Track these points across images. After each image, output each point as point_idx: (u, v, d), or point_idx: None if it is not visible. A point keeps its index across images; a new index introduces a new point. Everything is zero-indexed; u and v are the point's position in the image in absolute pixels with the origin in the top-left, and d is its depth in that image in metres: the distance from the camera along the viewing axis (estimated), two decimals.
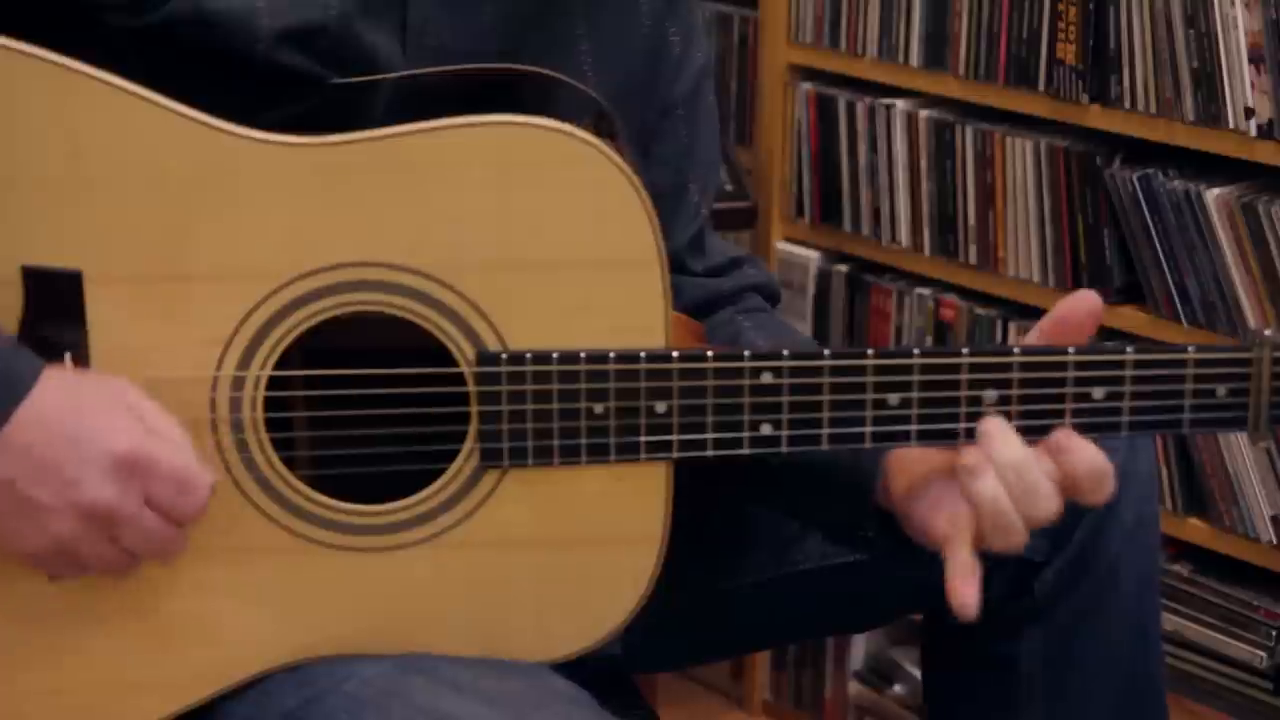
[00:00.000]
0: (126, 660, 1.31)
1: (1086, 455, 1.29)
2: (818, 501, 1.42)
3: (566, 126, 1.27)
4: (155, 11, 1.27)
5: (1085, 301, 1.32)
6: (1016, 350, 1.30)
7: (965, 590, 1.30)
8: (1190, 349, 1.30)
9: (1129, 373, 1.29)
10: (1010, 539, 1.30)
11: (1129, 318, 2.25)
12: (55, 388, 1.23)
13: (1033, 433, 1.30)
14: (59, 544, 1.24)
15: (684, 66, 1.53)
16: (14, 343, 1.25)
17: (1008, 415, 1.30)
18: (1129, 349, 1.30)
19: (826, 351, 1.29)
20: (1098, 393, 1.30)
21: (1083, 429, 1.30)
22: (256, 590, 1.31)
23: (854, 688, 2.72)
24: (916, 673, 2.57)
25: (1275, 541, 2.18)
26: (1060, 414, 1.30)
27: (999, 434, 1.29)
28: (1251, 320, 2.14)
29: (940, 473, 1.33)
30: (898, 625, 2.54)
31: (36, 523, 1.23)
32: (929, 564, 1.49)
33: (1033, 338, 1.33)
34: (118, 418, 1.24)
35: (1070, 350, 1.30)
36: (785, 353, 1.29)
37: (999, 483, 1.28)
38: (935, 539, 1.33)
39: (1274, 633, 2.22)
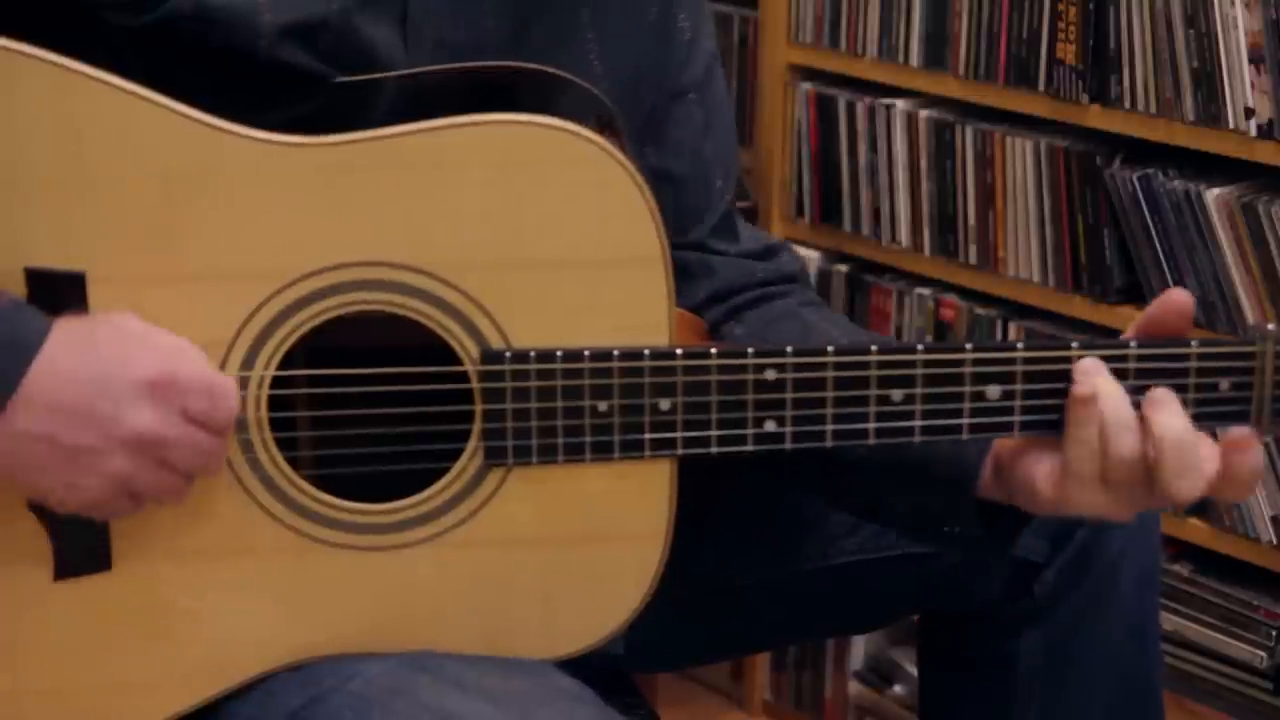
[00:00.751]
0: (129, 660, 1.31)
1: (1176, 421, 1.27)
2: (911, 494, 1.41)
3: (569, 125, 1.27)
4: (156, 9, 1.27)
5: (1180, 302, 1.31)
6: (1020, 345, 1.30)
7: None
8: (1193, 343, 1.30)
9: (1133, 366, 1.29)
10: (1129, 440, 1.26)
11: (1129, 318, 2.24)
12: (66, 338, 1.23)
13: (1038, 428, 1.30)
14: (116, 482, 1.24)
15: (695, 52, 1.53)
16: (17, 302, 1.25)
17: (1010, 410, 1.30)
18: (1132, 343, 1.30)
19: (830, 348, 1.29)
20: None
21: None
22: (261, 589, 1.31)
23: (854, 688, 2.72)
24: (917, 673, 2.57)
25: (1275, 541, 2.19)
26: (1065, 408, 1.30)
27: (1097, 368, 1.28)
28: (1251, 320, 2.14)
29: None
30: (898, 625, 2.54)
31: (89, 467, 1.23)
32: (920, 566, 1.50)
33: (1131, 333, 1.33)
34: (134, 347, 1.24)
35: (1074, 345, 1.30)
36: (789, 349, 1.29)
37: (1110, 408, 1.27)
38: (1040, 490, 1.31)
39: (1274, 633, 2.22)
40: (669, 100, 1.51)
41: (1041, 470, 1.31)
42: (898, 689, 2.66)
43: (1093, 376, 1.27)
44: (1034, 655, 1.54)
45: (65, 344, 1.23)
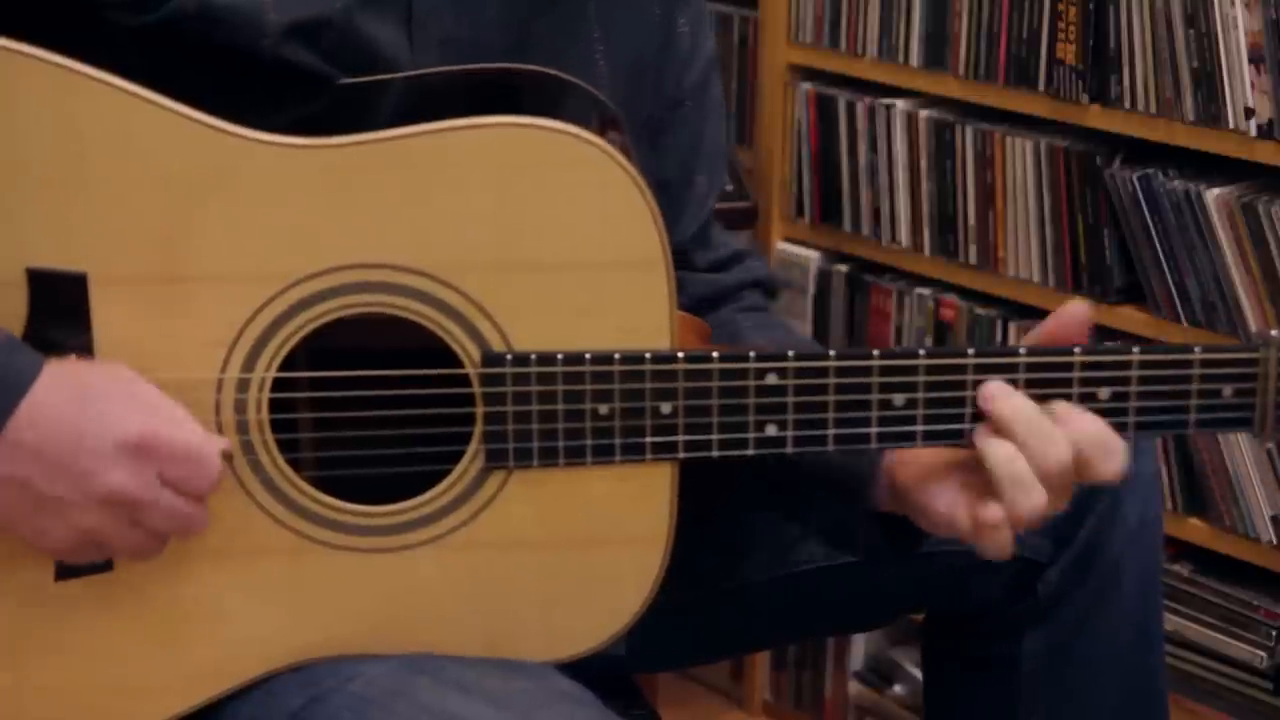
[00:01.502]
0: (131, 661, 1.31)
1: (1087, 421, 1.28)
2: (813, 505, 1.42)
3: (571, 128, 1.27)
4: (159, 9, 1.27)
5: (1076, 313, 1.32)
6: (1022, 350, 1.30)
7: (990, 536, 1.29)
8: (1196, 349, 1.30)
9: (1135, 373, 1.29)
10: (1031, 497, 1.27)
11: (1129, 318, 2.25)
12: (55, 383, 1.23)
13: None
14: (85, 535, 1.24)
15: (694, 58, 1.53)
16: (11, 340, 1.25)
17: None
18: (1135, 349, 1.30)
19: (832, 352, 1.29)
20: (1103, 393, 1.30)
21: None
22: (262, 591, 1.31)
23: (854, 688, 2.72)
24: (916, 673, 2.57)
25: (1275, 541, 2.19)
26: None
27: (1000, 392, 1.28)
28: (1251, 320, 2.14)
29: (946, 460, 1.33)
30: (898, 625, 2.54)
31: (60, 517, 1.23)
32: (921, 565, 1.50)
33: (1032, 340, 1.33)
34: (120, 404, 1.24)
35: (1076, 350, 1.30)
36: (790, 354, 1.29)
37: (1007, 439, 1.27)
38: (937, 524, 1.33)
39: (1274, 633, 2.22)
40: (666, 107, 1.52)
41: (940, 501, 1.32)
42: (898, 689, 2.66)
43: (995, 401, 1.28)
44: (1038, 656, 1.54)
45: (54, 388, 1.23)
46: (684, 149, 1.54)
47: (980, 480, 1.29)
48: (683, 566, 1.36)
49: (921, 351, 1.30)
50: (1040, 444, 1.27)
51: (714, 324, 1.53)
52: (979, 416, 1.30)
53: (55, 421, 1.22)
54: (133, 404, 1.24)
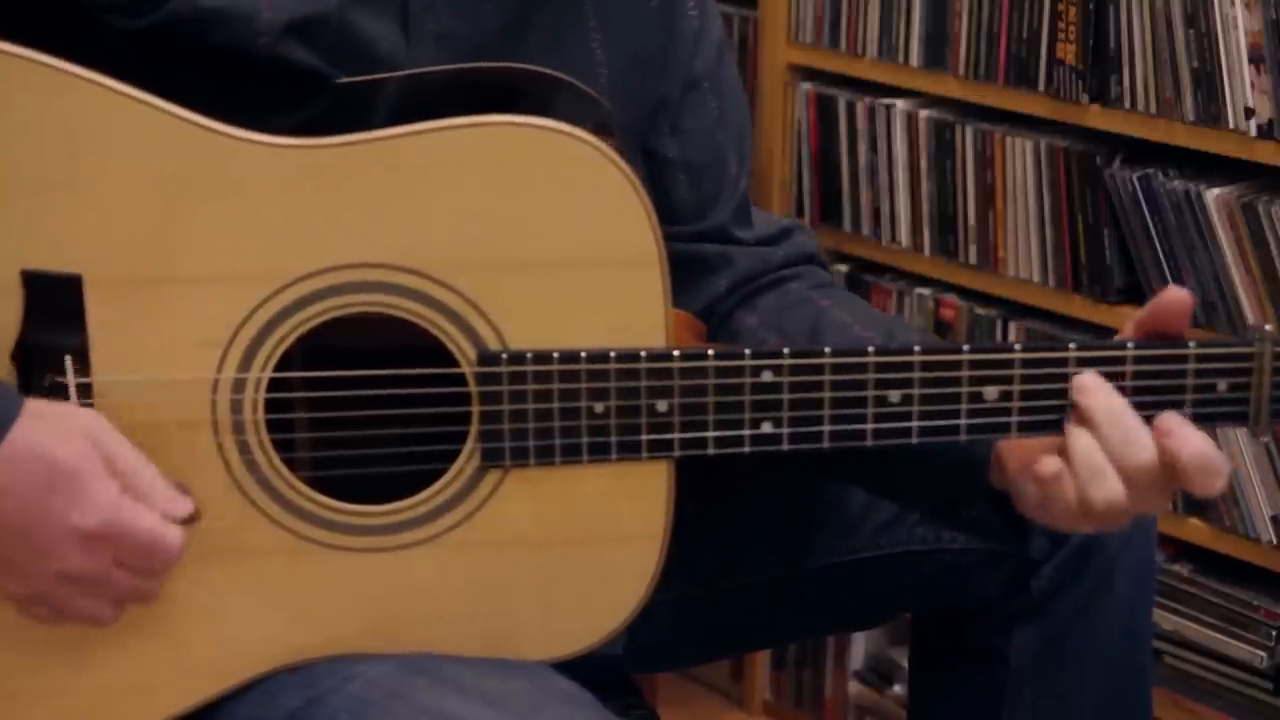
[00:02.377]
0: (128, 661, 1.31)
1: (1191, 437, 1.28)
2: (927, 480, 1.42)
3: (566, 126, 1.27)
4: (154, 12, 1.27)
5: (1176, 300, 1.32)
6: (1017, 347, 1.30)
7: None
8: (1191, 344, 1.30)
9: (1130, 368, 1.29)
10: (1103, 485, 1.28)
11: (1129, 318, 2.24)
12: (28, 435, 1.21)
13: (1035, 429, 1.30)
14: (39, 597, 1.25)
15: (704, 39, 1.53)
16: None
17: (1008, 411, 1.30)
18: (1130, 344, 1.30)
19: (827, 350, 1.29)
20: None
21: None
22: (258, 591, 1.31)
23: (854, 688, 2.72)
24: None
25: (1275, 541, 2.18)
26: (1063, 409, 1.30)
27: (1090, 385, 1.29)
28: (1251, 320, 2.14)
29: (1046, 447, 1.32)
30: (898, 625, 2.54)
31: (16, 578, 1.24)
32: (920, 564, 1.51)
33: (1128, 331, 1.34)
34: (85, 488, 1.22)
35: (1071, 346, 1.30)
36: (785, 351, 1.29)
37: (1093, 429, 1.28)
38: (1029, 504, 1.33)
39: (1274, 633, 2.22)
40: (684, 90, 1.51)
41: (1028, 491, 1.32)
42: (898, 689, 2.66)
43: (1083, 393, 1.29)
44: (1027, 651, 1.54)
45: (25, 441, 1.21)
46: (710, 129, 1.53)
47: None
48: (683, 565, 1.36)
49: (916, 348, 1.30)
50: (1119, 439, 1.27)
51: (786, 304, 1.53)
52: (975, 413, 1.30)
53: (21, 497, 1.21)
54: (98, 486, 1.22)
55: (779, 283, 1.55)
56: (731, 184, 1.55)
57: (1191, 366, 1.30)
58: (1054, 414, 1.30)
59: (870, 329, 1.46)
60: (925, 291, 2.52)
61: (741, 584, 1.57)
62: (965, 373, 1.30)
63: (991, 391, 1.30)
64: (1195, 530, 2.26)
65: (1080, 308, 2.32)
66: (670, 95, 1.51)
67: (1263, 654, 2.23)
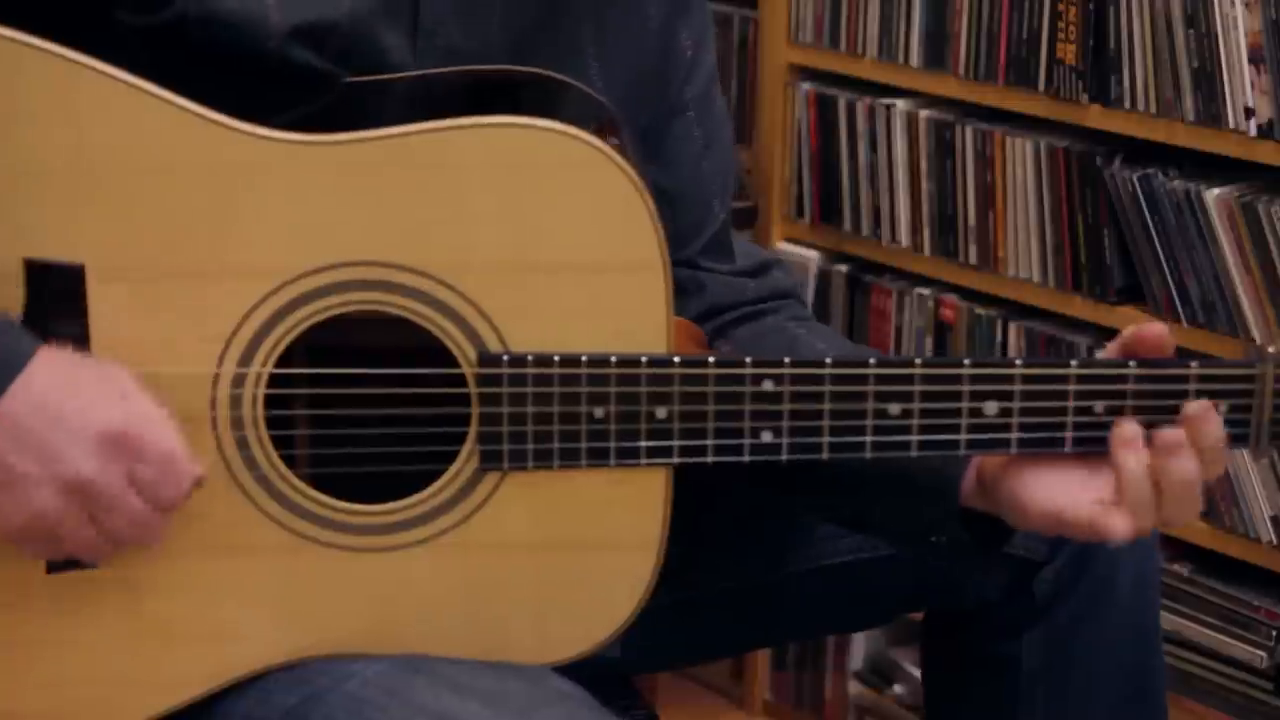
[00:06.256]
0: (124, 656, 1.31)
1: (1214, 426, 1.29)
2: (897, 506, 1.41)
3: (571, 129, 1.27)
4: (163, 10, 1.28)
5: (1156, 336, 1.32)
6: (1018, 362, 1.29)
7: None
8: (1193, 364, 1.30)
9: (1131, 387, 1.29)
10: (1148, 516, 1.29)
11: (1129, 318, 2.25)
12: (49, 367, 1.23)
13: (1034, 446, 1.30)
14: (38, 519, 1.23)
15: (696, 69, 1.53)
16: (12, 323, 1.25)
17: (1008, 428, 1.30)
18: (1132, 363, 1.30)
19: (828, 360, 1.29)
20: (1099, 406, 1.30)
21: (1083, 442, 1.30)
22: (255, 588, 1.31)
23: (854, 688, 2.72)
24: (916, 673, 2.57)
25: (1275, 541, 2.19)
26: (1062, 426, 1.30)
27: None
28: (1251, 320, 2.14)
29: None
30: (898, 625, 2.54)
31: (17, 495, 1.23)
32: (920, 565, 1.51)
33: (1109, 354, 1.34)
34: (109, 396, 1.23)
35: (1072, 363, 1.30)
36: (786, 360, 1.29)
37: (1146, 458, 1.28)
38: (1031, 516, 1.33)
39: (1274, 633, 2.22)
40: (669, 116, 1.51)
41: (1036, 500, 1.32)
42: (898, 689, 2.67)
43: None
44: (1035, 656, 1.54)
45: (45, 372, 1.23)
46: (692, 159, 1.54)
47: (1081, 468, 1.30)
48: (683, 566, 1.36)
49: (917, 361, 1.29)
50: (1175, 487, 1.29)
51: (760, 332, 1.53)
52: (975, 428, 1.30)
53: (39, 399, 1.22)
54: (121, 399, 1.24)
55: (756, 316, 1.55)
56: (711, 218, 1.55)
57: (1193, 387, 1.29)
58: (1053, 431, 1.30)
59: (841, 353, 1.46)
60: (925, 291, 2.52)
61: (738, 587, 1.57)
62: (965, 387, 1.29)
63: (991, 407, 1.30)
64: (1195, 530, 2.26)
65: (1080, 308, 2.32)
66: (658, 122, 1.51)
67: (1263, 654, 2.23)
